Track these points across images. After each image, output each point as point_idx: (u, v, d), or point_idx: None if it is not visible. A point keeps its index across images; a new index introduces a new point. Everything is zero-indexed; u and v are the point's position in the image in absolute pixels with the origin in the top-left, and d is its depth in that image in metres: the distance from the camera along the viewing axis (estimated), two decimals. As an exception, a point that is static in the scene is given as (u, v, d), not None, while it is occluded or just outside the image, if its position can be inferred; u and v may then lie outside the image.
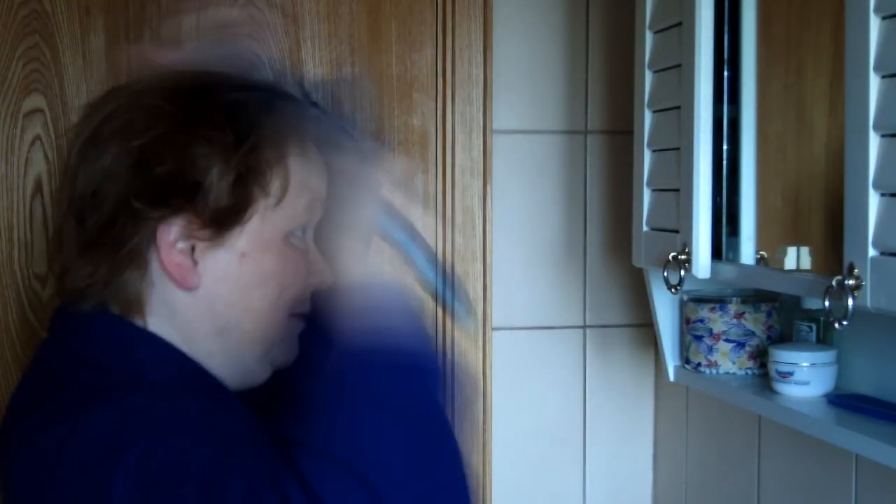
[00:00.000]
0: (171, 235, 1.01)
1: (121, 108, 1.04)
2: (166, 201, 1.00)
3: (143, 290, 1.03)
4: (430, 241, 1.70)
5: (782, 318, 1.48)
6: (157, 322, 1.04)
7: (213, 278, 1.03)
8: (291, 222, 1.06)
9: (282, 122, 1.05)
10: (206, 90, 1.04)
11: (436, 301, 1.09)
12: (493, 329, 1.76)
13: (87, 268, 1.02)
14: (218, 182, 1.00)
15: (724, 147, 1.37)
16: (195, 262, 1.02)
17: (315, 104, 1.13)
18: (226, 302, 1.04)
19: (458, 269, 1.72)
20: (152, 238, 1.01)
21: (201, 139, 1.01)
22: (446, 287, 1.10)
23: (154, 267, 1.03)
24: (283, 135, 1.04)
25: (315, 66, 1.67)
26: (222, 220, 1.02)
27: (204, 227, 1.01)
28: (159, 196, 1.00)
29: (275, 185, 1.04)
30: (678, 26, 1.40)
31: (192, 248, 1.02)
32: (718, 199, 1.37)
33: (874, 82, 1.03)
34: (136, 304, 1.04)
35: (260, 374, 1.09)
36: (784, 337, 1.47)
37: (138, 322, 1.04)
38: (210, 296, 1.03)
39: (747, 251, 1.35)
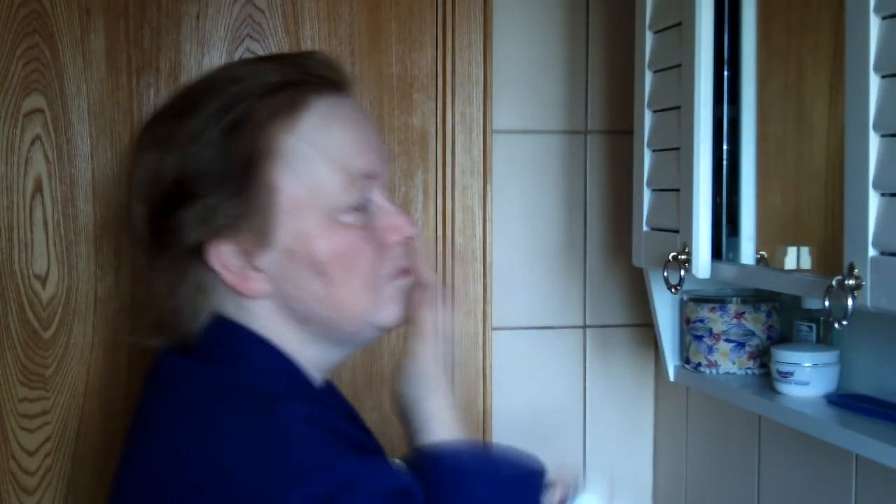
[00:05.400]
0: (223, 256, 1.02)
1: (133, 161, 1.08)
2: (197, 226, 1.01)
3: (219, 306, 1.05)
4: (431, 240, 1.70)
5: (782, 318, 1.48)
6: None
7: (277, 280, 1.03)
8: (331, 204, 1.03)
9: (272, 105, 1.02)
10: (191, 104, 1.04)
11: None
12: (493, 329, 1.76)
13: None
14: (219, 187, 1.00)
15: (724, 147, 1.37)
16: (258, 270, 1.03)
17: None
18: (296, 298, 1.04)
19: (458, 268, 1.72)
20: (206, 265, 1.02)
21: (190, 153, 1.01)
22: None
23: (220, 286, 1.04)
24: (275, 118, 1.01)
25: (315, 66, 1.67)
26: (252, 223, 1.01)
27: (243, 234, 1.01)
28: (189, 225, 1.01)
29: (288, 172, 1.01)
30: (678, 26, 1.40)
31: (250, 256, 1.02)
32: (718, 199, 1.37)
33: (874, 82, 1.03)
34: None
35: (367, 340, 1.11)
36: (784, 337, 1.47)
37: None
38: (282, 295, 1.04)
39: (747, 251, 1.35)
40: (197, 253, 1.02)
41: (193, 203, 1.00)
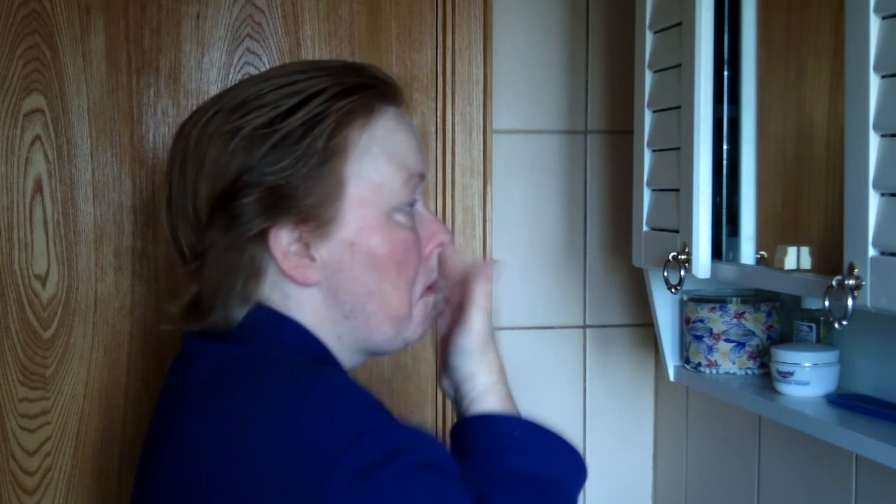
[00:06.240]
0: (283, 242, 1.05)
1: (191, 142, 1.08)
2: (263, 212, 1.04)
3: (266, 293, 1.07)
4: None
5: (782, 318, 1.48)
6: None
7: (330, 270, 1.06)
8: (391, 201, 1.08)
9: (351, 104, 1.07)
10: (261, 98, 1.07)
11: None
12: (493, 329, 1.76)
13: (213, 291, 1.07)
14: (291, 176, 1.04)
15: (724, 147, 1.37)
16: (312, 259, 1.06)
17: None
18: (347, 289, 1.07)
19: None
20: (265, 249, 1.05)
21: (265, 142, 1.04)
22: None
23: (272, 271, 1.07)
24: (352, 116, 1.07)
25: (315, 66, 1.67)
26: (319, 213, 1.05)
27: (307, 223, 1.05)
28: (255, 210, 1.04)
29: (357, 168, 1.06)
30: (678, 26, 1.40)
31: (307, 246, 1.06)
32: (718, 199, 1.37)
33: (874, 82, 1.03)
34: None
35: (389, 351, 1.14)
36: (784, 337, 1.47)
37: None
38: (332, 286, 1.07)
39: (747, 251, 1.35)
40: (257, 237, 1.05)
41: (263, 190, 1.04)
